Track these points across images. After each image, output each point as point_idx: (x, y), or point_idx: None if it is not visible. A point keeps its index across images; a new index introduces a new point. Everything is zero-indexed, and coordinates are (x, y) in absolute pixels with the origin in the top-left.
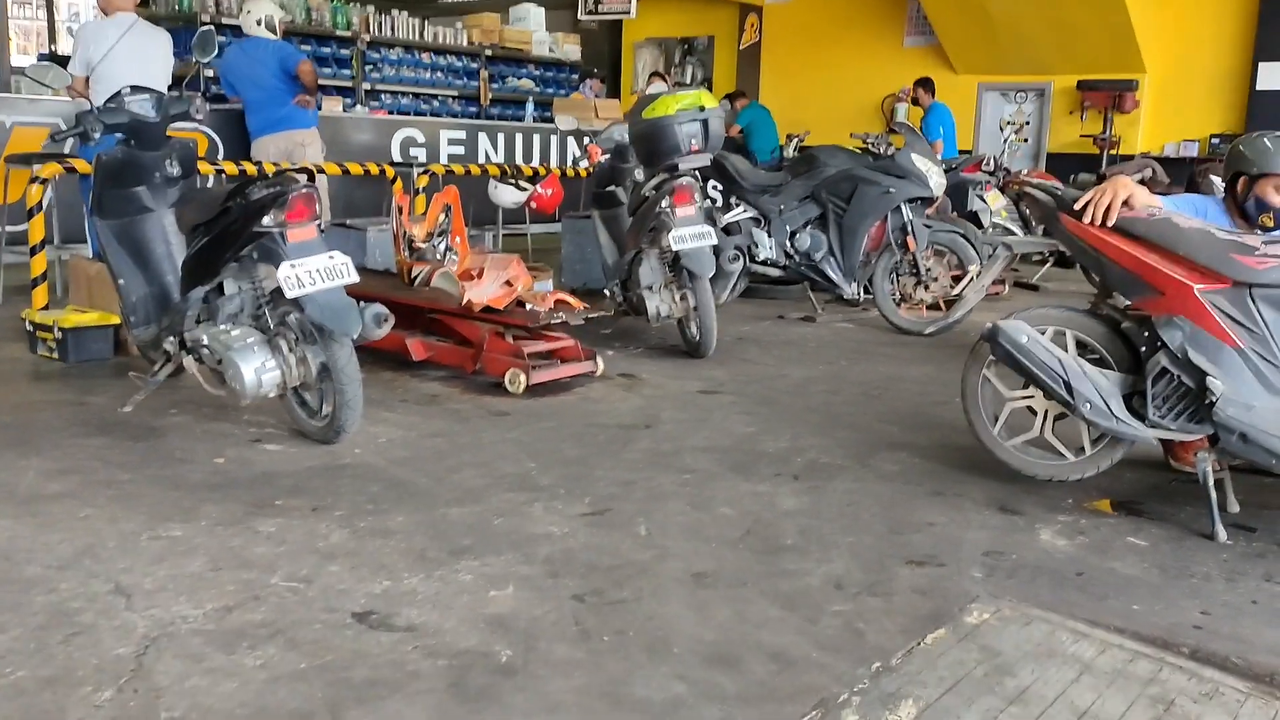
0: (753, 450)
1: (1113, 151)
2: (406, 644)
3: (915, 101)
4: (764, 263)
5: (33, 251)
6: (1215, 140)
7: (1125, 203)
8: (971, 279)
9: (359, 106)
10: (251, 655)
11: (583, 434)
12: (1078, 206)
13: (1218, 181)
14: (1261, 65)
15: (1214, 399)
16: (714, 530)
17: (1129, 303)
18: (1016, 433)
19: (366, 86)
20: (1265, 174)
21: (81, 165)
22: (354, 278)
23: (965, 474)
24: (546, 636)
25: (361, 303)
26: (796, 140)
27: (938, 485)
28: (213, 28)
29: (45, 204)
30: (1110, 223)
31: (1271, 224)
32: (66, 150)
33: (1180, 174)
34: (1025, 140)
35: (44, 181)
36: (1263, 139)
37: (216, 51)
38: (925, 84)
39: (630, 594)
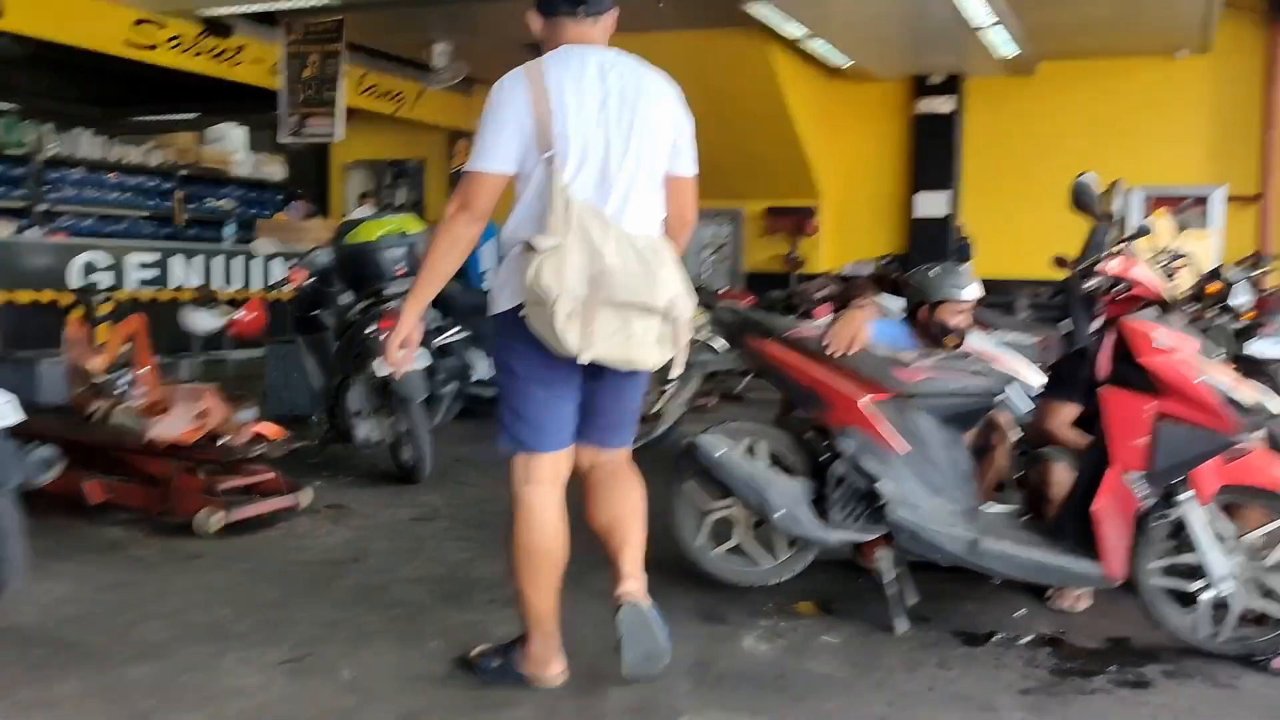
0: (466, 578)
1: (800, 270)
2: None
3: None
4: (479, 383)
5: None
6: (885, 260)
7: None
8: (671, 395)
9: (34, 229)
10: None
11: (284, 573)
12: (825, 344)
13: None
14: (917, 195)
15: (885, 501)
16: (423, 666)
17: (809, 415)
18: (719, 542)
19: (44, 207)
20: (942, 301)
21: None
22: (16, 418)
23: (673, 586)
24: None
25: (28, 444)
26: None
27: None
28: None
29: None
30: (853, 353)
31: (956, 343)
32: None
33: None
34: (725, 260)
35: None
36: (934, 272)
37: None
38: None
39: None
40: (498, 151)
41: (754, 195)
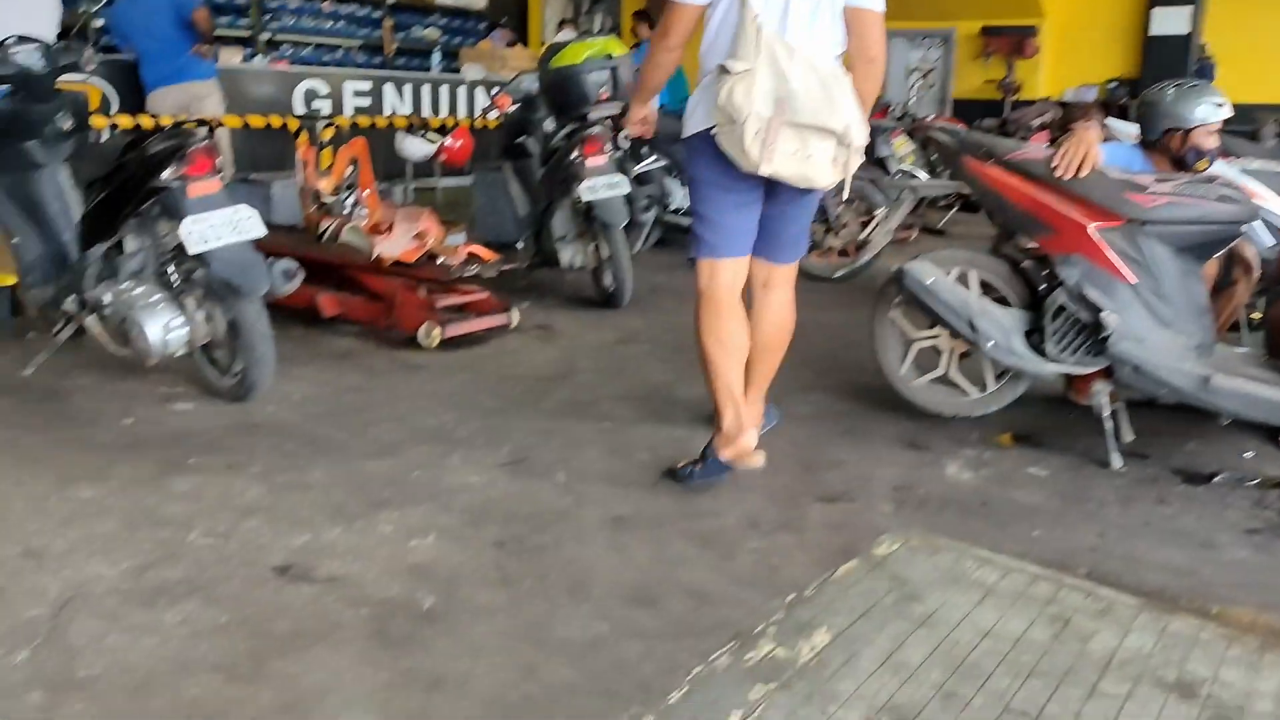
0: (670, 398)
1: (1015, 97)
2: (328, 595)
3: (635, 35)
4: (677, 211)
5: None
6: (1112, 84)
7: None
8: (878, 223)
9: (258, 57)
10: (171, 611)
11: (499, 386)
12: (1052, 166)
13: (1115, 122)
14: (1154, 10)
15: (1108, 333)
16: (632, 475)
17: (1028, 242)
18: (924, 372)
19: (265, 36)
20: (1196, 127)
21: None
22: (260, 232)
23: (876, 413)
24: (468, 583)
25: (269, 258)
26: None
27: (850, 424)
28: None
29: None
30: (1083, 175)
31: (1206, 166)
32: None
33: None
34: (932, 86)
35: None
36: (1179, 89)
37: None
38: (642, 16)
39: (551, 539)
40: None
41: (967, 14)
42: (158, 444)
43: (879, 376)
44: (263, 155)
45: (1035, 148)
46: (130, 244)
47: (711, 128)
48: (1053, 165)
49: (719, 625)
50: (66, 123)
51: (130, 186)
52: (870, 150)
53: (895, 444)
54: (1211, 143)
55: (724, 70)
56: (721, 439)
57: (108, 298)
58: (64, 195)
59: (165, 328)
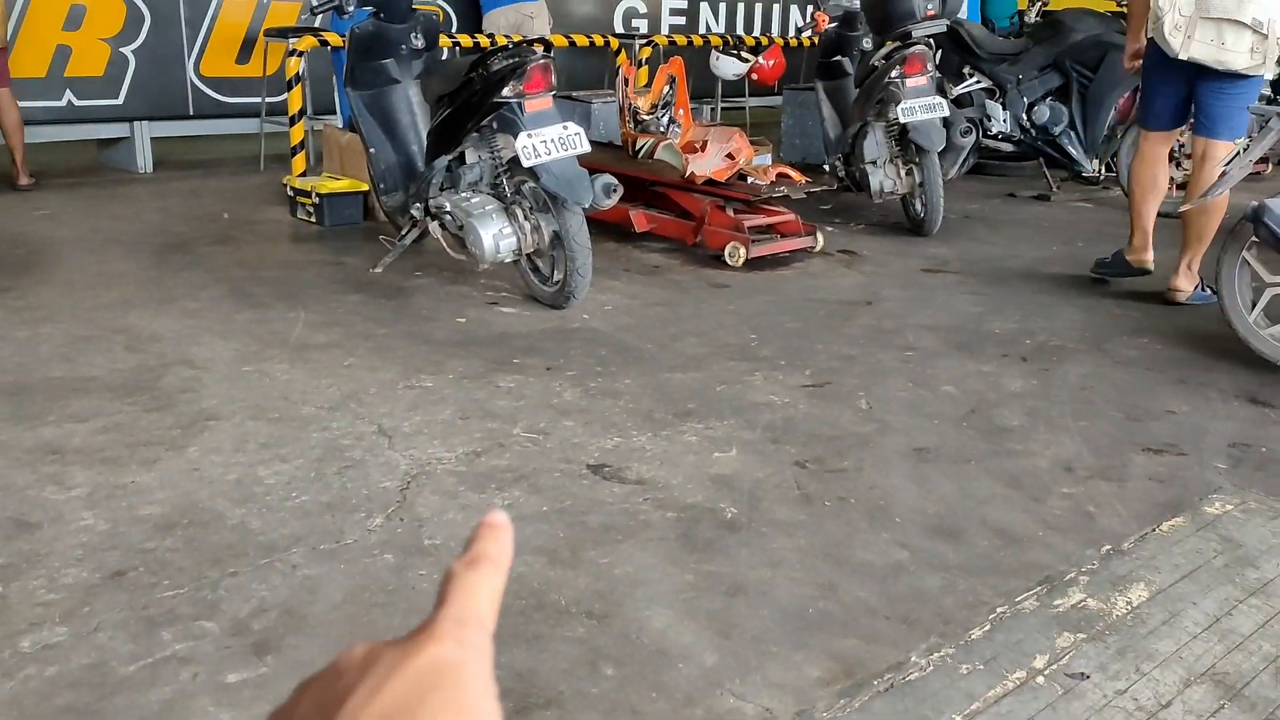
0: (978, 330)
1: None
2: (637, 496)
3: None
4: (996, 137)
5: (291, 121)
6: None
7: None
8: (1237, 153)
9: None
10: (499, 496)
11: (802, 308)
12: None
13: None
14: None
15: None
16: (936, 407)
17: None
18: (1276, 321)
19: None
20: None
21: (334, 39)
22: (586, 148)
23: (1214, 362)
24: (769, 498)
25: (591, 174)
26: (1040, 4)
27: (1181, 373)
28: None
29: (301, 75)
30: None
31: None
32: (320, 24)
33: None
34: None
35: (300, 54)
36: None
37: None
38: None
39: (851, 464)
40: None
41: None
42: (487, 343)
43: (1220, 322)
44: (584, 74)
45: None
46: (470, 156)
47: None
48: None
49: (1026, 567)
50: (419, 42)
51: (473, 103)
52: None
53: (1235, 397)
54: None
55: None
56: (1130, 250)
57: (448, 205)
58: (414, 110)
59: (497, 235)
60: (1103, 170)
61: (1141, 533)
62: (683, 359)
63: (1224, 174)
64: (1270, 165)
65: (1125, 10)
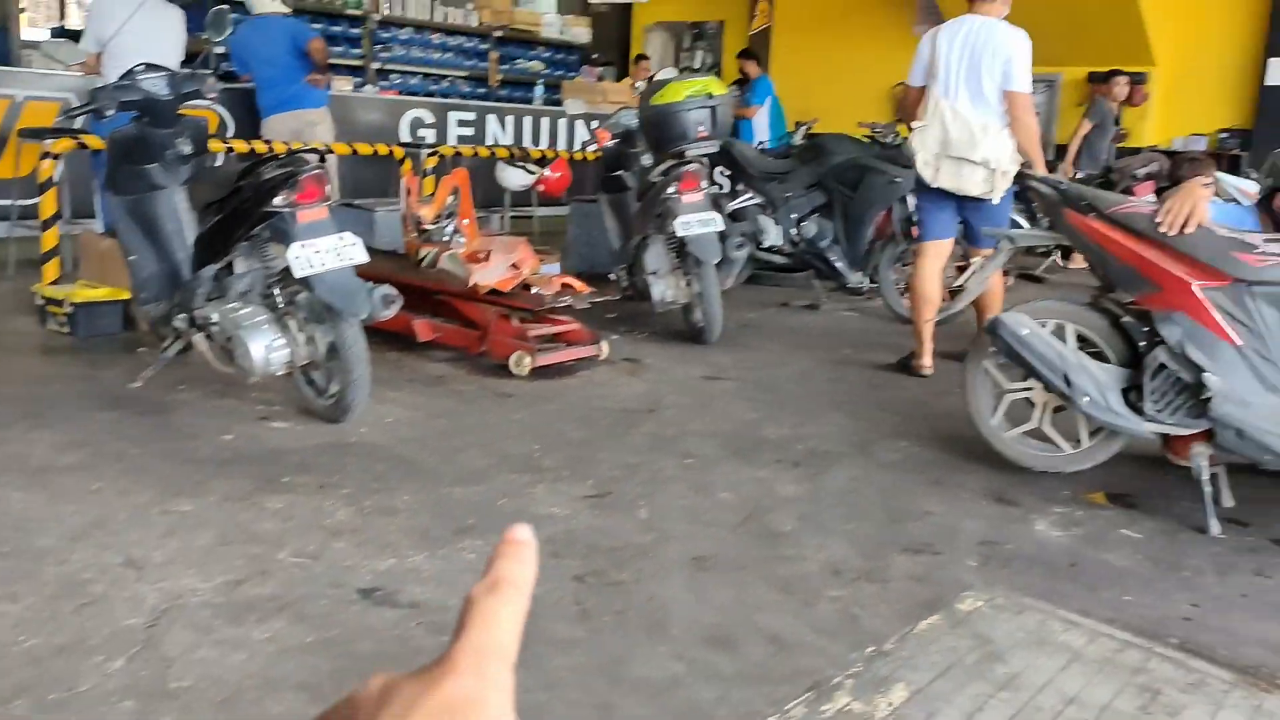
0: (754, 436)
1: (1121, 144)
2: (411, 620)
3: (742, 73)
4: (769, 249)
5: (44, 226)
6: (1224, 135)
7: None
8: (974, 271)
9: (369, 86)
10: (260, 628)
11: (587, 417)
12: (1157, 221)
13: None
14: (1271, 61)
15: (1210, 395)
16: (714, 515)
17: (1129, 297)
18: (1016, 424)
19: (376, 66)
20: None
21: (93, 141)
22: (363, 258)
23: (965, 464)
24: (547, 615)
25: (370, 283)
26: (805, 127)
27: (937, 474)
28: (226, 7)
29: (57, 179)
30: (1189, 232)
31: None
32: (79, 126)
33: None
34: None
35: (56, 156)
36: None
37: (231, 30)
38: (747, 55)
39: (630, 575)
40: (914, 76)
41: (1074, 60)
42: (254, 461)
43: (970, 426)
44: (368, 182)
45: (1140, 202)
46: (240, 266)
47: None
48: (1157, 221)
49: (796, 674)
50: (186, 147)
51: (243, 211)
52: None
53: (983, 497)
54: None
55: (912, 127)
56: (915, 359)
57: (215, 316)
58: (180, 217)
59: (268, 347)
60: (866, 281)
61: (902, 633)
62: (465, 472)
63: (964, 290)
64: (1012, 279)
65: (876, 138)
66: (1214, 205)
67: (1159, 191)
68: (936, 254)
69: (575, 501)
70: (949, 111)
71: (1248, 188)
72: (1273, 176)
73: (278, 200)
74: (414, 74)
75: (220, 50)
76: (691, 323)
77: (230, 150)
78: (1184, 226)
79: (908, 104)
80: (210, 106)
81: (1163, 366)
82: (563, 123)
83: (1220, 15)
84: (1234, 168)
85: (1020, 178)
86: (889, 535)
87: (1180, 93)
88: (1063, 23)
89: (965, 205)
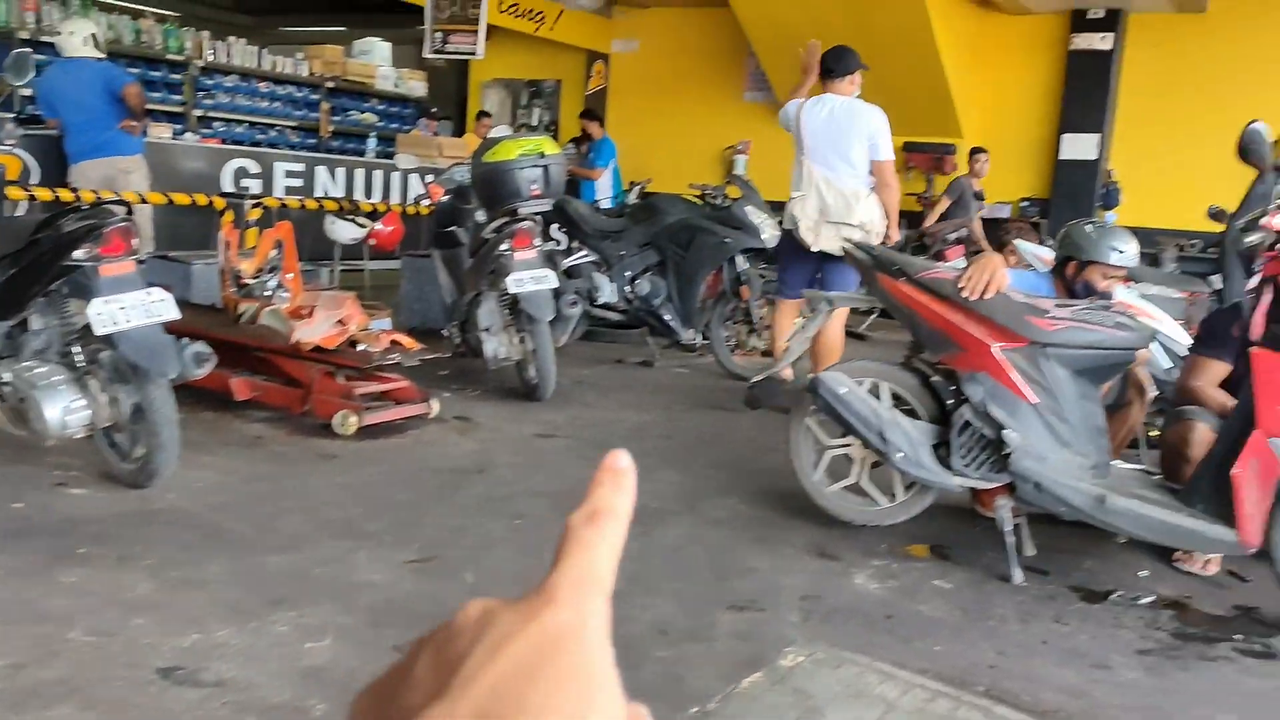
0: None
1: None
2: (214, 700)
3: (584, 133)
4: (604, 306)
5: None
6: (1025, 203)
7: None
8: (796, 331)
9: (189, 134)
10: (44, 716)
11: (414, 478)
12: (960, 287)
13: (1024, 245)
14: (1064, 136)
15: (1010, 450)
16: (542, 575)
17: (937, 358)
18: (837, 479)
19: (198, 113)
20: (1092, 261)
21: None
22: (173, 315)
23: (789, 519)
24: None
25: (183, 340)
26: (638, 187)
27: (763, 530)
28: (30, 49)
29: None
30: (988, 297)
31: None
32: None
33: (991, 234)
34: None
35: None
36: (1091, 229)
37: (34, 73)
38: (590, 115)
39: None
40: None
41: (892, 130)
42: (47, 531)
43: (794, 481)
44: (187, 233)
45: (945, 267)
46: (35, 322)
47: (791, 229)
48: (960, 286)
49: None
50: None
51: (40, 264)
52: None
53: (806, 552)
54: (1106, 285)
55: (792, 196)
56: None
57: (7, 376)
58: None
59: (65, 409)
60: (699, 338)
61: (725, 692)
62: (281, 539)
63: (787, 348)
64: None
65: (707, 199)
66: (1014, 273)
67: (967, 255)
68: (795, 310)
69: (398, 568)
70: (823, 182)
71: (1044, 255)
72: (1064, 247)
73: (78, 254)
74: (239, 122)
75: (27, 92)
76: (525, 380)
77: (33, 198)
78: (984, 292)
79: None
80: (10, 151)
81: (968, 424)
82: (396, 176)
83: (1020, 94)
84: (1035, 230)
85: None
86: (715, 593)
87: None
88: (880, 98)
89: (831, 264)
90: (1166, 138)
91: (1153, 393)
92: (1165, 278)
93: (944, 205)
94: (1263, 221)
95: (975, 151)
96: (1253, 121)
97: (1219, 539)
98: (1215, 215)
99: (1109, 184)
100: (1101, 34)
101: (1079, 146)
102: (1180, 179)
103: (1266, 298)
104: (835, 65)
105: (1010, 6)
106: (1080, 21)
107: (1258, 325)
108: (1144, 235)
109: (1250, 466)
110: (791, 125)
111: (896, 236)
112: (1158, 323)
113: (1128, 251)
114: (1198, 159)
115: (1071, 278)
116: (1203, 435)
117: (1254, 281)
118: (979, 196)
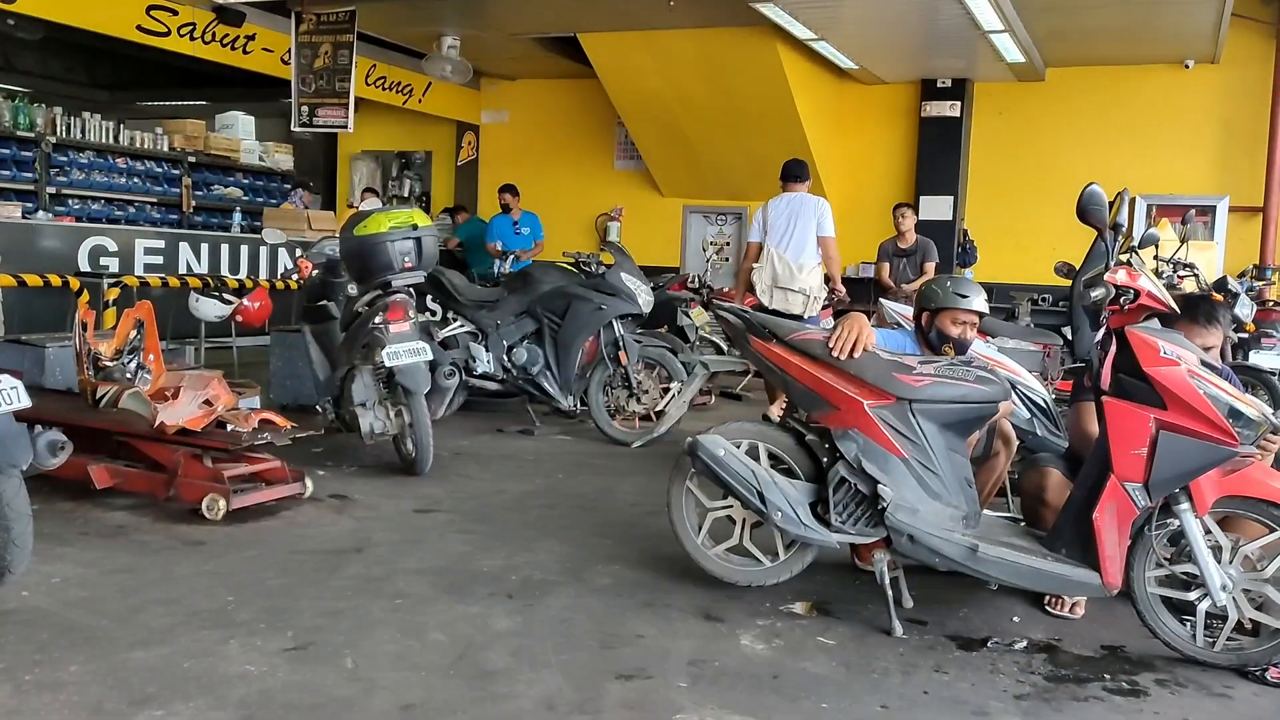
0: (468, 570)
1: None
2: None
3: (505, 207)
4: (482, 376)
5: None
6: None
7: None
8: (674, 396)
9: (41, 212)
10: None
11: (288, 561)
12: (829, 347)
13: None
14: (922, 198)
15: (885, 505)
16: (425, 658)
17: (811, 417)
18: (719, 541)
19: (51, 191)
20: (942, 309)
21: None
22: (23, 403)
23: (674, 583)
24: None
25: (36, 428)
26: (512, 256)
27: (648, 596)
28: None
29: None
30: (856, 356)
31: (953, 352)
32: None
33: (860, 293)
34: (727, 260)
35: None
36: (941, 280)
37: None
38: (510, 190)
39: None
40: (753, 234)
41: (758, 195)
42: None
43: (677, 545)
44: (41, 315)
45: (814, 329)
46: None
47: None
48: (830, 346)
49: None
50: None
51: None
52: (670, 320)
53: (692, 615)
54: (958, 331)
55: (754, 269)
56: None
57: None
58: None
59: None
60: (578, 405)
61: None
62: (146, 633)
63: (663, 413)
64: (713, 398)
65: (582, 266)
66: (881, 332)
67: (837, 314)
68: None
69: (272, 657)
70: (776, 257)
71: (907, 312)
72: (920, 302)
73: None
74: (96, 199)
75: None
76: (403, 454)
77: None
78: (853, 350)
79: (748, 253)
80: None
81: (844, 480)
82: (264, 250)
83: (879, 158)
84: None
85: (713, 309)
86: (602, 663)
87: (849, 223)
88: (745, 164)
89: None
90: (1015, 198)
91: (1017, 442)
92: (1020, 331)
93: (885, 270)
94: (1106, 278)
95: (896, 208)
96: (1089, 184)
97: (1083, 582)
98: (1062, 271)
99: (966, 242)
100: (950, 102)
101: (936, 207)
102: (1029, 237)
103: (1112, 349)
104: (799, 172)
105: (865, 77)
106: (930, 90)
107: (1106, 375)
108: (1000, 290)
109: (1108, 510)
110: (758, 225)
111: (842, 291)
112: (1016, 375)
113: (971, 296)
114: (1044, 218)
115: (927, 328)
116: (1057, 481)
117: (1100, 334)
118: (905, 253)
